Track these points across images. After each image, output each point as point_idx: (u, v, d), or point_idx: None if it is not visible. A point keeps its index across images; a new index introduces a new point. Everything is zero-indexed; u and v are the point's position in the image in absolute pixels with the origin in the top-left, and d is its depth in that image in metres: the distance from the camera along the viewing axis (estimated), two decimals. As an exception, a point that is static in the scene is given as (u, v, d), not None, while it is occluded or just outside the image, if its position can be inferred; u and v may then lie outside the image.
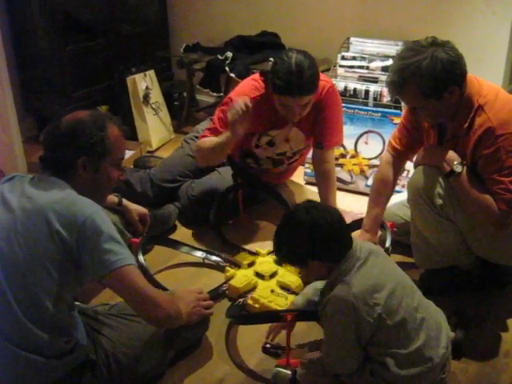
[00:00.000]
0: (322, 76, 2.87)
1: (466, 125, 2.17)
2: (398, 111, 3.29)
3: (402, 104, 3.31)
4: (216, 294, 2.45)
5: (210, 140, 2.77)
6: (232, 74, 3.81)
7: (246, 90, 2.82)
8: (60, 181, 1.82)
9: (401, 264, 2.04)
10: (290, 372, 2.00)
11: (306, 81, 2.58)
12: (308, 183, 3.47)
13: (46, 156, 1.88)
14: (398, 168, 2.60)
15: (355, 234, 2.49)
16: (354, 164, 3.38)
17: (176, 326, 1.99)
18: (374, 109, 3.35)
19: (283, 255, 1.93)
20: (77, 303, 1.99)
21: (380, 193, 2.60)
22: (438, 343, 1.84)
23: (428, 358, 1.81)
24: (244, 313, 2.39)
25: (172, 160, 3.27)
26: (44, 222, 1.72)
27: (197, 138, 3.19)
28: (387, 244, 2.53)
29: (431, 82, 2.07)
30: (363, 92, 3.42)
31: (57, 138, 1.85)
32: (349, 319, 1.76)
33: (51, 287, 1.74)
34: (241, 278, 2.55)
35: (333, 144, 2.97)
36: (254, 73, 3.22)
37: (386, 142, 3.23)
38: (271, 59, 3.57)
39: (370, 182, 3.32)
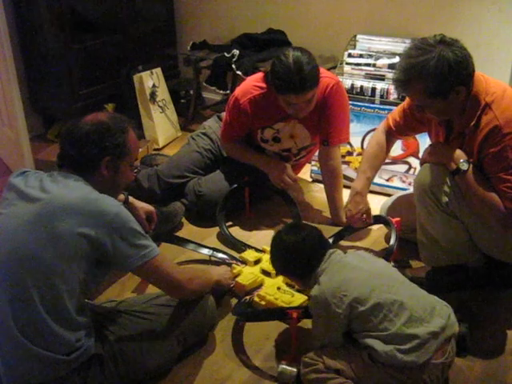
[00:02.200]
0: (327, 73, 2.89)
1: (473, 123, 2.16)
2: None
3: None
4: (222, 291, 2.46)
5: (240, 151, 3.07)
6: (238, 72, 3.81)
7: (249, 87, 2.90)
8: (80, 178, 1.87)
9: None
10: (295, 369, 2.02)
11: (307, 76, 2.61)
12: (315, 180, 3.47)
13: (68, 154, 1.92)
14: (391, 140, 2.72)
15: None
16: (360, 162, 3.37)
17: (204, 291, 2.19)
18: (381, 106, 3.34)
19: (275, 269, 2.33)
20: (85, 300, 2.01)
21: (375, 155, 2.69)
22: (427, 324, 1.86)
23: (412, 335, 1.83)
24: (250, 310, 2.39)
25: (179, 156, 3.29)
26: (70, 220, 1.76)
27: (204, 134, 3.23)
28: (392, 241, 2.54)
29: (437, 83, 2.07)
30: (370, 89, 3.42)
31: (82, 137, 1.90)
32: (323, 313, 1.94)
33: (73, 285, 1.78)
34: (247, 275, 2.55)
35: (339, 141, 2.97)
36: (260, 71, 3.23)
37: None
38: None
39: (376, 179, 3.30)
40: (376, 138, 2.72)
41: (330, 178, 3.01)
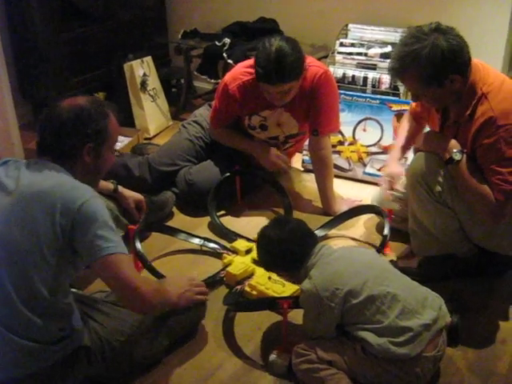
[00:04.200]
0: (316, 62, 2.89)
1: (468, 112, 2.16)
2: (397, 98, 3.28)
3: (401, 91, 3.31)
4: (213, 281, 2.45)
5: (229, 136, 3.07)
6: (230, 61, 3.79)
7: (239, 73, 2.91)
8: (56, 166, 1.82)
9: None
10: (286, 359, 2.01)
11: (285, 68, 2.61)
12: (306, 170, 3.46)
13: (47, 142, 1.87)
14: (415, 124, 2.66)
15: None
16: (352, 151, 3.36)
17: (163, 310, 2.03)
18: (373, 96, 3.34)
19: (261, 265, 2.23)
20: (73, 290, 1.99)
21: (409, 130, 2.66)
22: (420, 316, 1.86)
23: (405, 327, 1.83)
24: (241, 300, 2.39)
25: (170, 144, 3.28)
26: (43, 208, 1.72)
27: (195, 122, 3.24)
28: (385, 231, 2.54)
29: (431, 71, 2.07)
30: (361, 79, 3.41)
31: (61, 125, 1.84)
32: (315, 307, 1.92)
33: (48, 274, 1.74)
34: (238, 264, 2.54)
35: (328, 131, 2.96)
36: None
37: (385, 129, 3.24)
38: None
39: (367, 169, 3.31)
40: (405, 120, 2.71)
41: (320, 167, 3.01)
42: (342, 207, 2.97)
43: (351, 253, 2.08)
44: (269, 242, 2.08)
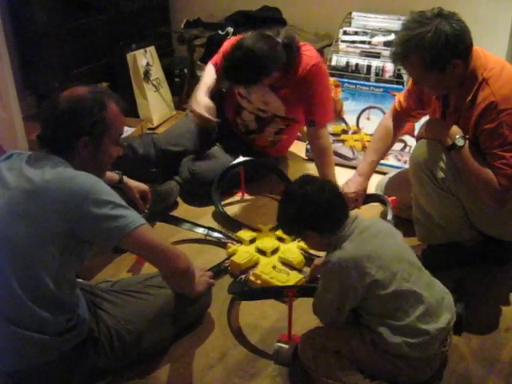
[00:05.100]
0: (310, 51, 2.91)
1: (470, 98, 2.16)
2: (400, 86, 3.27)
3: (404, 79, 3.30)
4: (218, 271, 2.46)
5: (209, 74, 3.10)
6: (233, 50, 3.78)
7: (229, 48, 2.90)
8: (57, 158, 1.80)
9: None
10: (291, 348, 2.02)
11: (242, 74, 2.71)
12: (310, 159, 3.46)
13: (45, 134, 1.85)
14: (398, 124, 2.68)
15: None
16: (355, 140, 3.36)
17: (189, 289, 2.05)
18: (376, 84, 3.33)
19: (282, 227, 2.05)
20: (79, 280, 2.00)
21: (381, 139, 2.68)
22: (437, 319, 1.83)
23: (423, 330, 1.80)
24: (246, 289, 2.39)
25: (176, 126, 3.35)
26: (44, 201, 1.71)
27: None
28: (389, 217, 2.54)
29: (434, 55, 2.06)
30: (365, 67, 3.40)
31: (57, 117, 1.81)
32: (336, 282, 1.82)
33: (52, 266, 1.73)
34: (243, 254, 2.55)
35: (325, 122, 2.98)
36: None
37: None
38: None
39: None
40: (383, 122, 2.74)
41: (319, 156, 3.02)
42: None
43: (384, 235, 1.92)
44: (299, 196, 1.89)
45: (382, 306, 1.82)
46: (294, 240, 2.65)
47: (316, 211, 1.86)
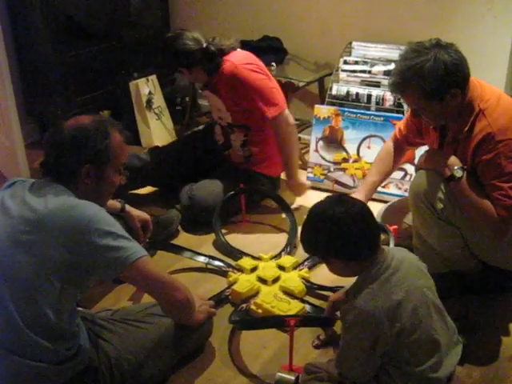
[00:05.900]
0: (234, 57, 3.03)
1: (467, 129, 2.17)
2: (401, 115, 3.29)
3: (404, 108, 3.32)
4: (219, 300, 2.45)
5: None
6: (234, 79, 3.82)
7: None
8: (60, 186, 1.80)
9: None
10: (293, 377, 1.99)
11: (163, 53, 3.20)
12: (311, 188, 3.46)
13: (48, 162, 1.86)
14: (399, 151, 2.69)
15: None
16: (356, 168, 3.38)
17: (189, 320, 2.04)
18: (377, 113, 3.35)
19: (305, 247, 1.86)
20: (80, 309, 1.99)
21: (383, 161, 2.70)
22: (447, 363, 1.78)
23: (433, 378, 1.74)
24: (247, 318, 2.38)
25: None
26: (46, 230, 1.70)
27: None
28: (391, 246, 2.54)
29: (433, 84, 2.08)
30: (365, 96, 3.42)
31: (60, 145, 1.83)
32: (368, 332, 1.69)
33: (53, 296, 1.72)
34: (244, 283, 2.54)
35: (273, 111, 3.00)
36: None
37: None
38: (273, 64, 3.63)
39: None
40: (384, 145, 2.77)
41: (281, 145, 3.09)
42: (303, 178, 3.23)
43: (415, 274, 1.80)
44: (329, 216, 1.72)
45: (398, 351, 1.73)
46: (296, 268, 2.65)
47: (342, 235, 1.71)
